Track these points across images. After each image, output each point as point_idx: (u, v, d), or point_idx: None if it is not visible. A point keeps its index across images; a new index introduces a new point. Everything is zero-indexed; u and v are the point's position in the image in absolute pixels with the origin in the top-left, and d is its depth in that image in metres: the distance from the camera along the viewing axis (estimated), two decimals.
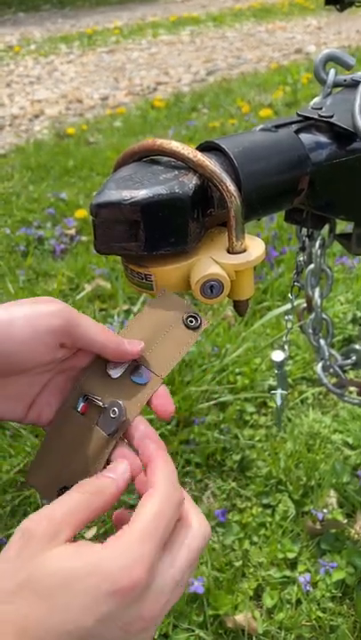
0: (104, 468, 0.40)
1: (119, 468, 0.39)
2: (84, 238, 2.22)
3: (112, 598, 0.32)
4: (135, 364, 0.43)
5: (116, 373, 0.43)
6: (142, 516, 0.34)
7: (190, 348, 0.46)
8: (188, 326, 0.45)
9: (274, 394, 0.82)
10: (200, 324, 0.45)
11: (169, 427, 1.30)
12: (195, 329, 0.45)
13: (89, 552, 0.33)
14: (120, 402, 0.41)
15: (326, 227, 0.70)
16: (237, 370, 1.45)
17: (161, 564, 0.34)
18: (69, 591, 0.31)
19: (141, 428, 0.41)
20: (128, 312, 1.69)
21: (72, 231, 2.25)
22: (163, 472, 0.37)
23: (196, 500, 1.18)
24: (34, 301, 0.40)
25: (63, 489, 0.41)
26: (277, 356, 0.81)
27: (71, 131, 3.49)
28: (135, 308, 1.67)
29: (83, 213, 2.30)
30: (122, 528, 0.34)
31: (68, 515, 0.34)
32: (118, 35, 6.76)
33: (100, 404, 0.42)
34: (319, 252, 0.75)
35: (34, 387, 0.43)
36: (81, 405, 0.42)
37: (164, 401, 0.43)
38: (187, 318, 0.45)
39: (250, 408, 1.37)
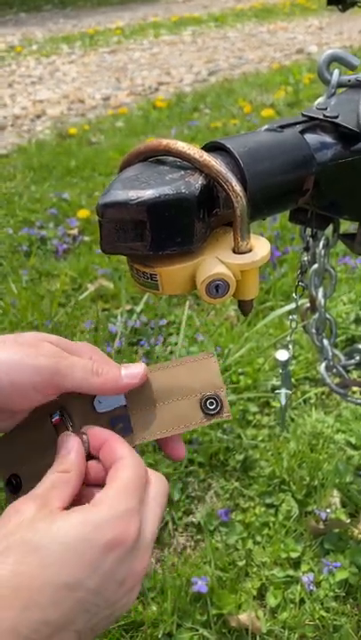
0: None
1: (69, 442, 0.39)
2: (86, 238, 2.23)
3: (106, 552, 0.32)
4: (124, 411, 0.42)
5: (101, 408, 0.42)
6: (120, 478, 0.36)
7: (187, 430, 0.40)
8: (203, 408, 0.42)
9: (278, 393, 0.82)
10: (218, 412, 0.41)
11: None
12: (208, 414, 0.41)
13: (76, 511, 0.34)
14: (85, 436, 0.40)
15: (330, 227, 0.70)
16: (240, 370, 1.45)
17: (142, 519, 0.36)
18: (61, 544, 0.31)
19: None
20: (131, 312, 1.69)
21: (74, 231, 2.26)
22: (125, 446, 0.39)
23: (199, 499, 1.19)
24: (19, 346, 0.39)
25: (14, 476, 0.42)
26: (282, 355, 0.81)
27: (73, 131, 3.49)
28: (138, 308, 1.67)
29: (85, 213, 2.30)
30: (101, 491, 0.35)
31: (48, 490, 0.36)
32: (120, 35, 6.76)
33: (70, 430, 0.41)
34: (323, 252, 0.75)
35: (24, 407, 0.43)
36: (55, 418, 0.42)
37: (177, 445, 0.44)
38: (207, 399, 0.42)
39: (253, 408, 1.37)
